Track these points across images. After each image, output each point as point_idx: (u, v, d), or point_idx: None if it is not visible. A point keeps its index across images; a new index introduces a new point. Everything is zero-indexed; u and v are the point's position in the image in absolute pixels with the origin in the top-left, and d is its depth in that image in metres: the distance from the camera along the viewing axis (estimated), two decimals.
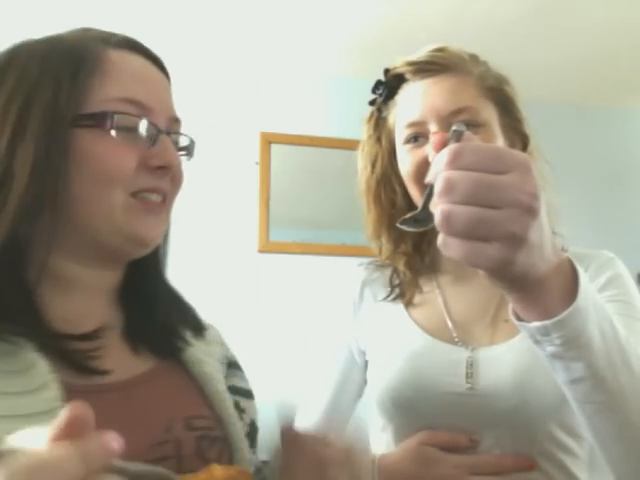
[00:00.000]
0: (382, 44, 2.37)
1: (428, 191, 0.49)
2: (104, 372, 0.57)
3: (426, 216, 0.51)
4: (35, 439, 0.34)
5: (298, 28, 2.33)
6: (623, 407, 0.56)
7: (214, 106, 2.51)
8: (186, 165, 0.66)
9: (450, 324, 0.86)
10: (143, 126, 0.59)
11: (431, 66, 0.82)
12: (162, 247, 0.69)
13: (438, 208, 0.45)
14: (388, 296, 0.93)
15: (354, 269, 1.01)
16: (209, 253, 2.37)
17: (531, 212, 0.45)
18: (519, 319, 0.53)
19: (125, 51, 0.61)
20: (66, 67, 0.58)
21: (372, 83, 0.91)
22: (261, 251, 2.52)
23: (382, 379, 0.86)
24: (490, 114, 0.82)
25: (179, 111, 0.66)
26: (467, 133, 0.47)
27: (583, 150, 2.91)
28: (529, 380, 0.77)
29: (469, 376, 0.80)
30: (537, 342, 0.53)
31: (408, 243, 0.92)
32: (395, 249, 0.93)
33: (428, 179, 0.48)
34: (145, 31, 2.32)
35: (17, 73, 0.58)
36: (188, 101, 0.63)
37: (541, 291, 0.50)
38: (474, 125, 0.79)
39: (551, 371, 0.57)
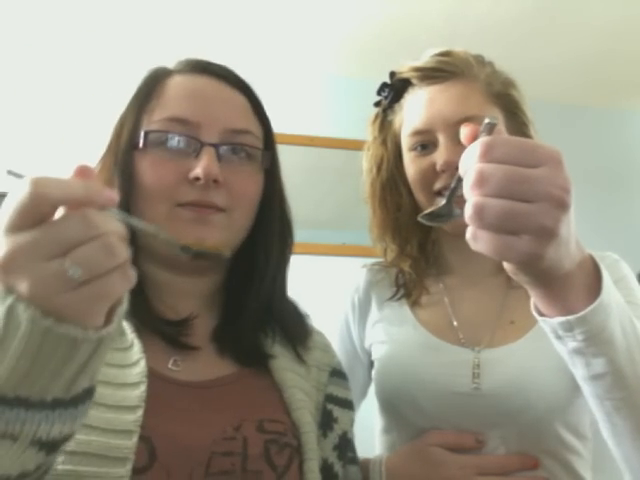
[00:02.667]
0: (382, 44, 2.37)
1: (454, 185, 0.49)
2: (193, 347, 0.64)
3: (448, 211, 0.50)
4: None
5: (298, 28, 2.32)
6: None
7: None
8: None
9: (456, 325, 0.86)
10: (182, 141, 0.64)
11: (437, 72, 0.81)
12: (264, 256, 0.72)
13: (470, 201, 0.45)
14: (394, 296, 0.93)
15: (358, 270, 1.00)
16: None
17: (562, 206, 0.44)
18: (541, 314, 0.53)
19: (189, 74, 0.68)
20: (138, 95, 0.67)
21: (372, 83, 0.90)
22: None
23: (388, 379, 0.86)
24: (497, 120, 0.82)
25: None
26: (498, 126, 0.47)
27: (583, 150, 2.91)
28: (534, 380, 0.78)
29: (475, 376, 0.80)
30: (559, 337, 0.53)
31: (413, 245, 0.92)
32: (401, 252, 0.93)
33: (460, 172, 0.47)
34: (145, 31, 2.32)
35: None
36: (194, 98, 0.65)
37: (565, 287, 0.49)
38: None
39: (570, 367, 0.56)
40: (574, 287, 0.50)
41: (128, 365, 0.57)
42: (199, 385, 0.62)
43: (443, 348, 0.84)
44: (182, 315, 0.65)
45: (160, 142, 0.64)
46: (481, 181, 0.44)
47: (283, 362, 0.69)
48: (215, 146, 0.65)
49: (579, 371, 0.55)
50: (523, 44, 2.36)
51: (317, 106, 2.65)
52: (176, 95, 0.66)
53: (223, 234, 0.65)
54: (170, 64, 0.71)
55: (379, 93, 0.89)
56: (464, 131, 0.48)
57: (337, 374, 0.76)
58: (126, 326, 0.60)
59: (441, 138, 0.80)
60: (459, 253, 0.89)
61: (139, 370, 0.56)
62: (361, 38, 2.38)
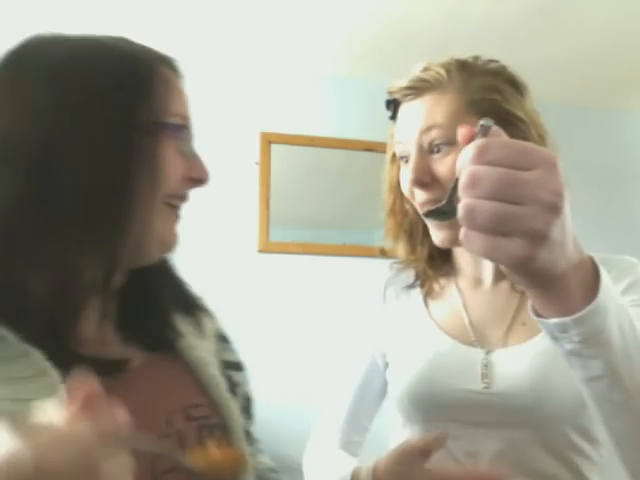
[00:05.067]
0: (382, 44, 2.38)
1: (453, 184, 0.49)
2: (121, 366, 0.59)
3: (451, 209, 0.51)
4: (52, 414, 0.37)
5: (298, 28, 2.33)
6: None
7: (214, 106, 2.51)
8: None
9: (468, 326, 0.88)
10: (188, 140, 0.65)
11: (412, 90, 0.85)
12: None
13: (462, 202, 0.45)
14: (413, 283, 0.95)
15: (382, 270, 1.02)
16: (209, 253, 2.36)
17: (554, 210, 0.44)
18: (538, 315, 0.53)
19: (170, 69, 0.67)
20: (129, 78, 0.61)
21: (372, 83, 0.92)
22: (261, 251, 2.52)
23: (401, 378, 0.88)
24: None
25: None
26: (495, 128, 0.47)
27: (583, 150, 2.91)
28: (545, 381, 0.78)
29: (484, 376, 0.82)
30: (555, 339, 0.53)
31: (423, 249, 0.95)
32: (413, 255, 0.96)
33: (456, 173, 0.48)
34: (145, 32, 2.32)
35: (85, 80, 0.59)
36: (188, 101, 0.64)
37: (561, 288, 0.49)
38: (444, 143, 0.80)
39: (569, 368, 0.56)
40: (571, 288, 0.50)
41: (27, 377, 0.52)
42: (118, 379, 0.58)
43: (455, 348, 0.86)
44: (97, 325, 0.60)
45: (178, 137, 0.64)
46: (473, 183, 0.45)
47: (188, 340, 0.68)
48: None
49: (577, 373, 0.55)
50: (523, 44, 2.36)
51: (317, 106, 2.65)
52: (179, 92, 0.66)
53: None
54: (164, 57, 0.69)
55: (387, 108, 0.92)
56: (461, 132, 0.49)
57: (224, 339, 0.77)
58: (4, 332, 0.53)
59: (411, 151, 0.83)
60: (469, 255, 0.91)
61: (50, 381, 0.51)
62: (361, 38, 2.38)
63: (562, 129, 0.85)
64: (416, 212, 0.91)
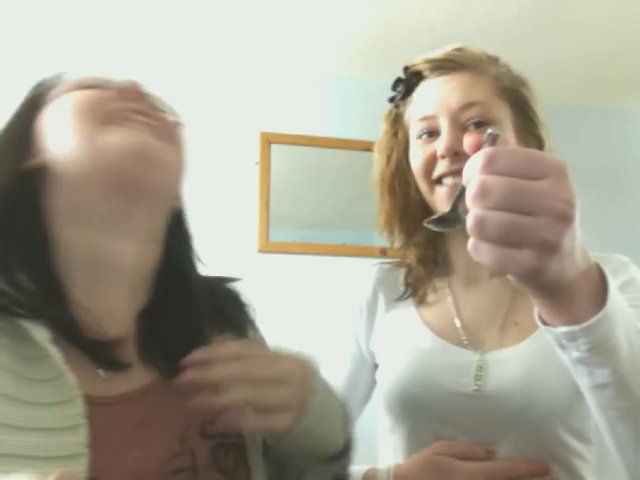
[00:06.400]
0: (382, 44, 2.37)
1: (459, 192, 0.49)
2: (126, 365, 0.58)
3: (454, 217, 0.50)
4: None
5: (298, 28, 2.32)
6: None
7: (214, 106, 2.50)
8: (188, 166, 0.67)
9: (459, 326, 0.86)
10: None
11: (447, 63, 0.83)
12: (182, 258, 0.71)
13: (471, 212, 0.44)
14: (402, 296, 0.93)
15: (369, 269, 1.00)
16: (209, 253, 2.36)
17: (565, 220, 0.44)
18: (544, 323, 0.52)
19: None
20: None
21: (372, 83, 0.92)
22: (261, 251, 2.52)
23: (391, 378, 0.86)
24: (503, 113, 0.82)
25: (179, 111, 0.67)
26: (502, 137, 0.47)
27: (583, 150, 2.90)
28: (537, 383, 0.77)
29: (478, 378, 0.80)
30: (562, 347, 0.52)
31: (421, 235, 0.92)
32: (408, 239, 0.93)
33: (463, 182, 0.47)
34: (145, 32, 2.32)
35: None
36: (188, 101, 0.63)
37: (569, 296, 0.49)
38: (485, 122, 0.79)
39: (574, 376, 0.56)
40: (578, 297, 0.49)
41: (46, 380, 0.51)
42: (131, 397, 0.58)
43: (446, 349, 0.84)
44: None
45: None
46: (483, 193, 0.44)
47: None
48: None
49: (583, 380, 0.55)
50: (523, 44, 2.36)
51: (317, 106, 2.65)
52: None
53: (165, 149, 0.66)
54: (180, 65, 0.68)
55: (394, 88, 0.90)
56: (467, 140, 0.48)
57: None
58: (33, 329, 0.52)
59: (443, 125, 0.81)
60: (463, 254, 0.89)
61: (74, 411, 0.50)
62: (361, 38, 2.38)
63: (562, 129, 0.85)
64: (417, 196, 0.89)
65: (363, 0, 2.13)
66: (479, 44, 0.90)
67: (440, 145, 0.80)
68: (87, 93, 0.60)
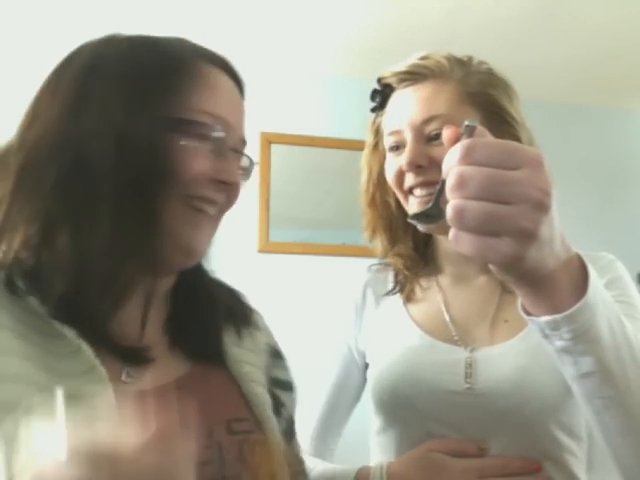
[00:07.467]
0: (381, 44, 2.37)
1: (440, 187, 0.49)
2: (150, 360, 0.59)
3: (437, 212, 0.51)
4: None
5: (297, 28, 2.32)
6: (631, 402, 0.56)
7: None
8: None
9: (450, 324, 0.87)
10: (219, 141, 0.62)
11: (411, 75, 0.84)
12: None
13: (450, 203, 0.46)
14: (390, 291, 0.94)
15: (360, 270, 1.01)
16: (209, 253, 2.36)
17: (542, 208, 0.45)
18: (528, 313, 0.53)
19: (217, 69, 0.64)
20: (164, 71, 0.60)
21: (372, 83, 0.91)
22: (261, 251, 2.52)
23: (381, 377, 0.87)
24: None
25: None
26: (480, 128, 0.47)
27: (583, 150, 2.91)
28: (528, 379, 0.78)
29: (468, 376, 0.81)
30: (546, 336, 0.53)
31: (403, 245, 0.94)
32: (391, 249, 0.94)
33: (442, 175, 0.48)
34: (145, 32, 2.31)
35: (112, 70, 0.59)
36: (235, 103, 0.63)
37: (550, 286, 0.50)
38: None
39: (559, 366, 0.57)
40: (560, 286, 0.50)
41: (78, 373, 0.52)
42: (159, 392, 0.58)
43: (436, 346, 0.85)
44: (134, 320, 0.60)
45: (203, 135, 0.60)
46: (461, 183, 0.45)
47: (237, 353, 0.67)
48: (236, 152, 0.65)
49: (568, 370, 0.56)
50: (523, 44, 2.36)
51: (317, 106, 2.65)
52: (218, 91, 0.63)
53: (211, 239, 0.68)
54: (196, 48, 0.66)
55: (372, 99, 0.91)
56: (445, 133, 0.49)
57: (276, 354, 0.75)
58: (65, 329, 0.54)
59: (407, 138, 0.82)
60: (450, 253, 0.90)
61: (99, 376, 0.52)
62: (361, 38, 2.38)
63: (562, 129, 0.85)
64: (398, 205, 0.90)
65: (362, 0, 2.14)
66: (478, 44, 0.90)
67: (403, 160, 0.82)
68: None
